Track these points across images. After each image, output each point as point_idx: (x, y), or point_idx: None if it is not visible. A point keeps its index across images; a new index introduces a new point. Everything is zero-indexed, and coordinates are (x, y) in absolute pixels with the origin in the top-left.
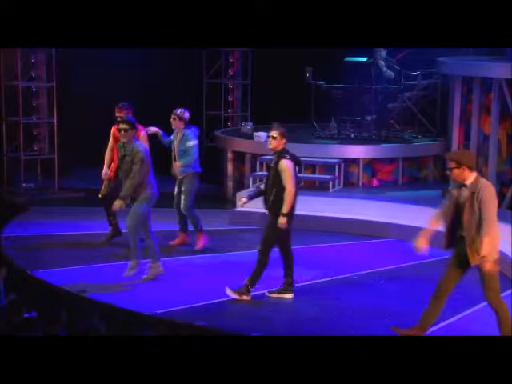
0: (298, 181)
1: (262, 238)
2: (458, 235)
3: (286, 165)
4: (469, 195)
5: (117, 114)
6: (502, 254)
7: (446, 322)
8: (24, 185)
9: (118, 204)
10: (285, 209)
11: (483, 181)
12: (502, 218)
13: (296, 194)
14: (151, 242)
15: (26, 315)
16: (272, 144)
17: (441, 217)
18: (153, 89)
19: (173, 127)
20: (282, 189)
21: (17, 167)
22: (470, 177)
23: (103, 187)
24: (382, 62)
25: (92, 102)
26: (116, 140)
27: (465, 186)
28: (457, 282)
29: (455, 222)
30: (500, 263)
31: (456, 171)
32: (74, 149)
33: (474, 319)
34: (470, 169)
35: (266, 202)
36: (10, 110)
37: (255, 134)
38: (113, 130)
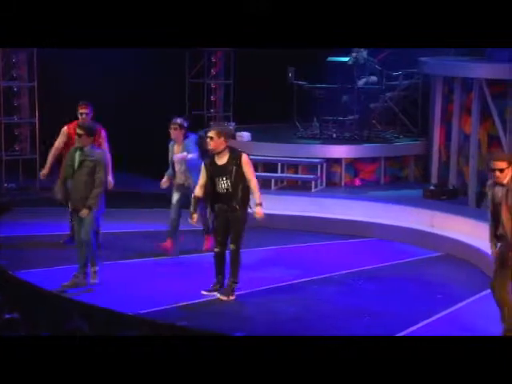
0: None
1: (232, 235)
2: (499, 234)
3: (247, 159)
4: (504, 193)
5: (81, 111)
6: (483, 253)
7: (426, 322)
8: (5, 185)
9: (86, 212)
10: (259, 199)
11: None
12: (481, 217)
13: None
14: (91, 249)
15: (7, 316)
16: (211, 144)
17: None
18: (136, 88)
19: (172, 137)
20: (246, 183)
21: None
22: (508, 176)
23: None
24: (361, 82)
25: (74, 101)
26: (69, 140)
27: (502, 184)
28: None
29: (495, 221)
30: (480, 261)
31: (507, 171)
32: None
33: (453, 319)
34: None
35: (229, 200)
36: None
37: (238, 133)
38: (66, 128)
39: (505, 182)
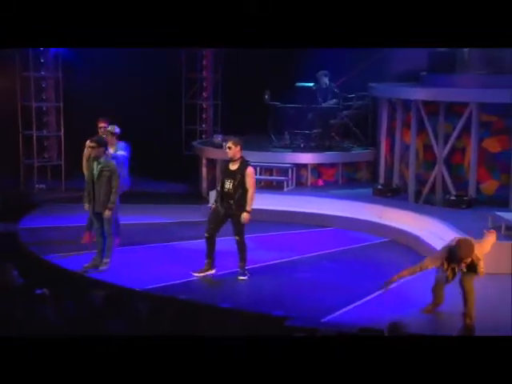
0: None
1: (235, 230)
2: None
3: (252, 171)
4: (467, 268)
5: (100, 125)
6: (420, 239)
7: (375, 294)
8: (37, 186)
9: (108, 214)
10: (249, 207)
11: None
12: (419, 210)
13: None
14: (112, 240)
15: (38, 291)
16: (229, 153)
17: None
18: (142, 109)
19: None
20: (245, 189)
21: (31, 172)
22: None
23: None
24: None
25: (90, 118)
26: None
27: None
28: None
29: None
30: (417, 245)
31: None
32: (77, 156)
33: (396, 291)
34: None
35: (229, 199)
36: (25, 126)
37: (224, 144)
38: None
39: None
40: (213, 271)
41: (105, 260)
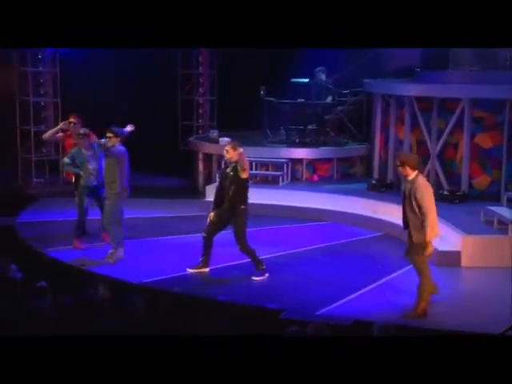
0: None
1: (235, 235)
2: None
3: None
4: (409, 188)
5: (71, 120)
6: None
7: (370, 287)
8: (35, 180)
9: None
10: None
11: (420, 179)
12: None
13: None
14: (121, 230)
15: (37, 285)
16: (227, 156)
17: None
18: (138, 105)
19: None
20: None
21: (29, 166)
22: (412, 174)
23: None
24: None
25: (87, 114)
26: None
27: (407, 180)
28: None
29: (404, 208)
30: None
31: (400, 169)
32: None
33: (390, 284)
34: (412, 168)
35: (225, 196)
36: (23, 120)
37: (220, 139)
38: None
39: (410, 178)
40: (207, 269)
41: (111, 250)
